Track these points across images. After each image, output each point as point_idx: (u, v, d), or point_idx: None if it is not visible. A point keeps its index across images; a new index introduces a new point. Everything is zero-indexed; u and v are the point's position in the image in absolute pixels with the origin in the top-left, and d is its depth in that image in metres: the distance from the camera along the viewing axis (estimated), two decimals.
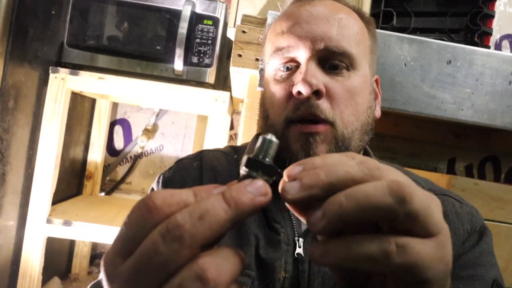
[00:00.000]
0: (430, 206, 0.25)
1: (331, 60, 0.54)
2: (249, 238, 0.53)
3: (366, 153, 0.64)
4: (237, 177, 0.65)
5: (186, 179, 0.61)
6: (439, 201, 0.27)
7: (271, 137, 0.27)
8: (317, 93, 0.51)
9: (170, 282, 0.23)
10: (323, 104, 0.52)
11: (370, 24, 0.61)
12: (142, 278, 0.23)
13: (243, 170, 0.26)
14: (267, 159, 0.26)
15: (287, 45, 0.55)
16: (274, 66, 0.57)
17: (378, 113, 0.61)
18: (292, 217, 0.55)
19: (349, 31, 0.55)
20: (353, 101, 0.54)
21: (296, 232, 0.54)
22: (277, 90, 0.56)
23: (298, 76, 0.52)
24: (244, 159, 0.27)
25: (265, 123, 0.59)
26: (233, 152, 0.66)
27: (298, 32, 0.54)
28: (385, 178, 0.26)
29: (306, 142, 0.52)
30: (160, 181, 0.63)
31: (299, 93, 0.51)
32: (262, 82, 0.65)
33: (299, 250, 0.52)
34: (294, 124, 0.53)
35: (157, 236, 0.23)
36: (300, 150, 0.52)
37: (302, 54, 0.54)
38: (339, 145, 0.53)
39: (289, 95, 0.54)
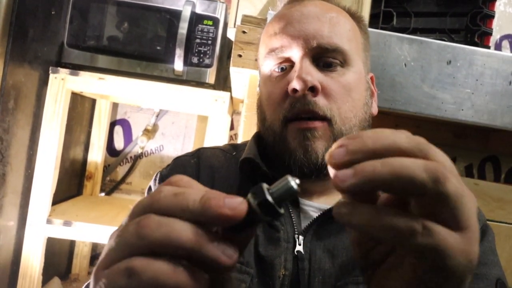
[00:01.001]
0: (464, 197, 0.25)
1: (324, 57, 0.54)
2: None
3: None
4: (235, 174, 0.64)
5: None
6: (475, 200, 0.27)
7: (293, 181, 0.26)
8: (312, 90, 0.52)
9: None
10: (320, 101, 0.52)
11: (361, 22, 0.61)
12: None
13: (249, 193, 0.26)
14: (274, 196, 0.26)
15: (280, 45, 0.55)
16: (268, 67, 0.58)
17: (375, 110, 0.62)
18: (292, 215, 0.55)
19: (341, 29, 0.55)
20: (350, 97, 0.54)
21: (296, 229, 0.54)
22: (273, 91, 0.56)
23: (293, 74, 0.52)
24: (258, 185, 0.26)
25: (263, 125, 0.59)
26: (232, 149, 0.66)
27: (290, 31, 0.55)
28: (431, 156, 0.26)
29: (304, 138, 0.52)
30: (157, 178, 0.63)
31: (294, 90, 0.51)
32: None
33: (299, 248, 0.52)
34: (291, 122, 0.53)
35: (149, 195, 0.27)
36: (298, 146, 0.52)
37: (295, 53, 0.54)
38: None
39: (285, 94, 0.54)
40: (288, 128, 0.54)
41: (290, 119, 0.53)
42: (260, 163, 0.57)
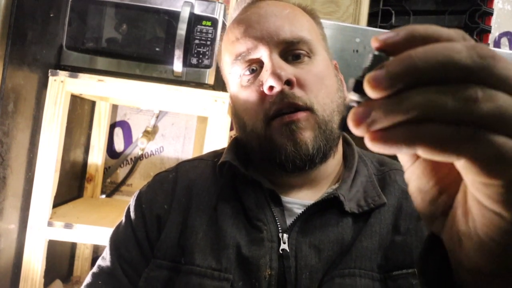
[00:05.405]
0: None
1: (291, 50, 0.55)
2: (225, 242, 0.53)
3: (346, 142, 0.64)
4: (216, 181, 0.64)
5: (157, 192, 0.62)
6: None
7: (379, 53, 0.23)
8: (288, 83, 0.52)
9: None
10: (298, 92, 0.52)
11: (313, 15, 0.63)
12: None
13: (351, 95, 0.24)
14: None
15: (246, 49, 0.55)
16: (238, 73, 0.58)
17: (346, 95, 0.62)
18: (274, 213, 0.55)
19: (299, 22, 0.57)
20: (324, 84, 0.55)
21: (280, 227, 0.54)
22: (248, 95, 0.56)
23: (265, 74, 0.53)
24: (351, 82, 0.24)
25: (244, 131, 0.58)
26: (213, 156, 0.67)
27: (253, 33, 0.55)
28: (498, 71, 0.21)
29: (291, 131, 0.52)
30: (136, 196, 0.64)
31: (271, 88, 0.51)
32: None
33: (284, 246, 0.52)
34: (273, 120, 0.53)
35: None
36: (286, 140, 0.52)
37: (262, 52, 0.54)
38: (323, 128, 0.53)
39: (262, 96, 0.54)
40: (272, 125, 0.53)
41: (272, 117, 0.53)
42: (238, 165, 0.57)
